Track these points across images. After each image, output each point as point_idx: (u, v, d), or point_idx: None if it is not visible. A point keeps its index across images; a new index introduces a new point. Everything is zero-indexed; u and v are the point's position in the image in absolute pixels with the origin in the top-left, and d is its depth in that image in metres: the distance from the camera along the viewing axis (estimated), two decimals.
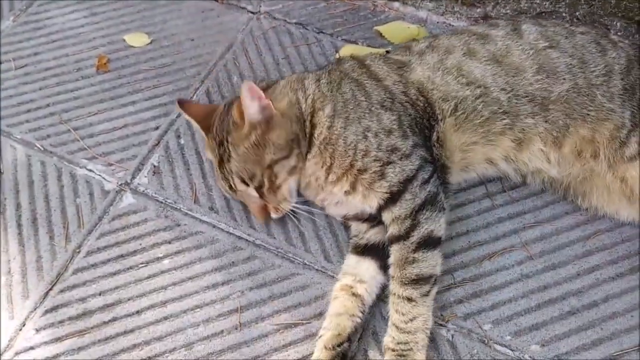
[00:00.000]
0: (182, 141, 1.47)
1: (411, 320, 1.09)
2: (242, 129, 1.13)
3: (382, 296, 1.20)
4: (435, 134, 1.20)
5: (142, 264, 1.31)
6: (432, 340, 1.14)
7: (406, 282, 1.10)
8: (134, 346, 1.20)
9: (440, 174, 1.19)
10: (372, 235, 1.23)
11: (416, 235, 1.11)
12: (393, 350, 1.09)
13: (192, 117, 1.28)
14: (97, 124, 1.51)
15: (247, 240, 1.32)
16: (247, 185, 1.16)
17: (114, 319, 1.23)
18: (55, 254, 1.32)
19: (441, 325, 1.17)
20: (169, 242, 1.33)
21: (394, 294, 1.11)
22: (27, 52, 1.65)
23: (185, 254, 1.31)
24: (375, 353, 1.15)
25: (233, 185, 1.19)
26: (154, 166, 1.44)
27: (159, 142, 1.48)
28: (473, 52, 1.23)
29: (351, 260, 1.22)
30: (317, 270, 1.27)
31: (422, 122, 1.20)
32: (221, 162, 1.19)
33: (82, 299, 1.26)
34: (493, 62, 1.21)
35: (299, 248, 1.30)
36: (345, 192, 1.17)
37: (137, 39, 1.66)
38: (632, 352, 1.13)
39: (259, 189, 1.16)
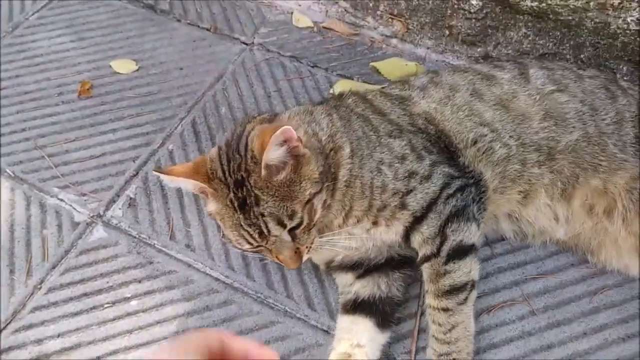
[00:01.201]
0: None
1: (449, 330, 1.03)
2: (260, 171, 0.98)
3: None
4: (462, 159, 1.13)
5: (107, 304, 1.19)
6: None
7: (440, 294, 1.04)
8: None
9: (479, 191, 1.11)
10: (360, 288, 1.13)
11: (445, 250, 1.06)
12: None
13: (182, 176, 1.03)
14: (73, 151, 1.43)
15: (224, 282, 1.21)
16: (285, 227, 0.99)
17: None
18: (13, 289, 1.21)
19: None
20: (139, 281, 1.22)
21: (430, 306, 1.06)
22: (8, 74, 1.59)
23: (155, 294, 1.20)
24: None
25: (266, 231, 0.98)
26: (130, 198, 1.35)
27: (137, 173, 1.39)
28: (479, 94, 1.17)
29: (344, 322, 1.12)
30: (298, 319, 1.16)
31: (439, 144, 1.13)
32: (244, 208, 0.99)
33: (38, 341, 1.14)
34: (500, 106, 1.15)
35: (280, 293, 1.19)
36: (367, 229, 1.08)
37: (123, 66, 1.60)
38: None
39: (294, 229, 1.00)
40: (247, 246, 1.02)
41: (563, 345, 1.11)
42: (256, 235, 0.99)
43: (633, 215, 1.10)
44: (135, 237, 1.29)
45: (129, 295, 1.20)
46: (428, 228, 1.06)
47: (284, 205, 0.98)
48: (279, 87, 1.54)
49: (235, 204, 0.99)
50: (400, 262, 1.15)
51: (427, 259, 1.07)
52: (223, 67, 1.60)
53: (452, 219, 1.07)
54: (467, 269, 1.06)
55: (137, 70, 1.59)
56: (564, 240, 1.19)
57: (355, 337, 1.08)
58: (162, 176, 1.03)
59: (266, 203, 0.97)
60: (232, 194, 0.99)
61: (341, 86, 1.50)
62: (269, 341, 1.12)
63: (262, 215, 0.97)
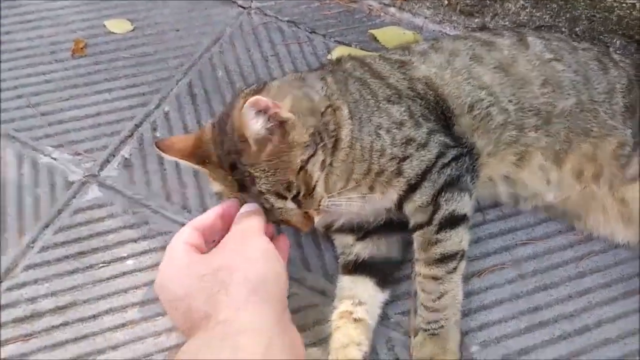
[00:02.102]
0: (158, 134, 1.38)
1: (439, 297, 1.05)
2: (250, 148, 0.97)
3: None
4: (456, 127, 1.14)
5: (103, 263, 1.19)
6: None
7: (430, 263, 1.06)
8: (86, 354, 1.08)
9: (473, 161, 1.13)
10: (360, 249, 1.15)
11: (437, 219, 1.07)
12: (425, 330, 1.05)
13: (178, 155, 1.05)
14: (67, 110, 1.41)
15: None
16: (285, 198, 0.99)
17: (66, 324, 1.11)
18: (6, 247, 1.20)
19: None
20: (135, 241, 1.22)
21: (420, 274, 1.07)
22: None
23: (151, 254, 1.21)
24: None
25: (268, 205, 1.00)
26: (125, 159, 1.34)
27: (132, 134, 1.38)
28: (479, 58, 1.18)
29: (344, 281, 1.13)
30: (294, 280, 1.17)
31: (436, 111, 1.14)
32: (244, 188, 1.00)
33: (32, 299, 1.14)
34: (500, 70, 1.17)
35: None
36: (363, 194, 1.09)
37: (118, 25, 1.57)
38: None
39: (296, 197, 1.01)
40: None
41: (550, 308, 1.15)
42: (262, 210, 1.01)
43: (619, 182, 1.13)
44: (130, 198, 1.28)
45: (124, 255, 1.20)
46: (421, 197, 1.08)
47: (278, 179, 0.97)
48: (276, 52, 1.53)
49: (236, 187, 1.00)
50: (399, 226, 1.16)
51: (419, 227, 1.08)
52: (220, 30, 1.58)
53: (446, 188, 1.08)
54: (458, 239, 1.07)
55: (133, 30, 1.56)
56: (553, 204, 1.21)
57: (357, 296, 1.10)
58: (160, 153, 1.05)
59: (261, 180, 0.97)
60: (230, 177, 0.99)
61: (339, 52, 1.49)
62: None
63: (261, 192, 0.98)
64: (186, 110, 1.42)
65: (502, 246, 1.23)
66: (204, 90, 1.45)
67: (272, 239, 0.97)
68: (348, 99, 1.11)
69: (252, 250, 0.82)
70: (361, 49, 1.54)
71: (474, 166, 1.13)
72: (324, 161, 1.03)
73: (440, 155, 1.09)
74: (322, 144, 1.02)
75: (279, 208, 1.00)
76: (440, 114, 1.14)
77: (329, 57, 1.50)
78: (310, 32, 1.58)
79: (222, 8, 1.63)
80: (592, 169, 1.16)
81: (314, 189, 1.02)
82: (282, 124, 0.97)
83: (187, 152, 1.04)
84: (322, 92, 1.09)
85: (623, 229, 1.19)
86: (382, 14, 1.64)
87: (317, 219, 1.05)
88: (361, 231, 1.16)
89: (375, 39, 1.57)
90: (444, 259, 1.06)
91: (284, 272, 0.85)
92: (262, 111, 0.94)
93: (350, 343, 1.04)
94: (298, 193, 1.00)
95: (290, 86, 1.10)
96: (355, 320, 1.07)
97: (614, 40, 1.43)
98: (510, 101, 1.14)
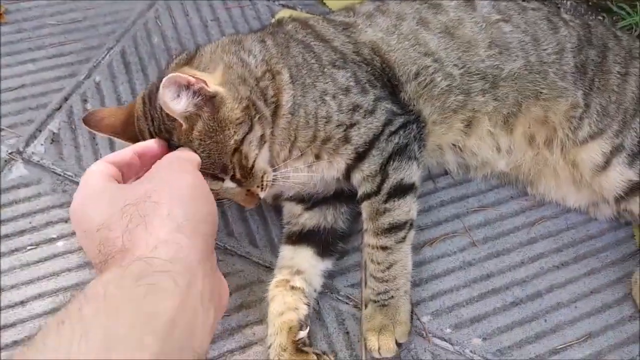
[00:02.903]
0: (89, 106, 1.28)
1: (388, 268, 1.02)
2: (181, 126, 0.89)
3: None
4: (402, 94, 1.09)
5: (31, 245, 1.11)
6: None
7: (379, 233, 1.03)
8: (15, 343, 1.00)
9: (420, 129, 1.09)
10: (307, 219, 1.11)
11: (386, 188, 1.04)
12: (375, 301, 1.02)
13: (108, 132, 0.97)
14: None
15: None
16: (222, 180, 0.93)
17: None
18: None
19: None
20: (66, 221, 1.14)
21: (369, 244, 1.04)
22: None
23: None
24: None
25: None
26: (53, 133, 1.24)
27: (60, 107, 1.27)
28: (425, 22, 1.13)
29: (286, 251, 1.09)
30: (240, 256, 1.12)
31: (383, 78, 1.09)
32: None
33: None
34: (445, 34, 1.12)
35: (220, 231, 1.14)
36: (310, 163, 1.04)
37: None
38: (574, 345, 1.05)
39: (233, 178, 0.94)
40: None
41: (502, 274, 1.13)
42: None
43: (571, 144, 1.11)
44: (60, 175, 1.19)
45: (54, 236, 1.12)
46: (370, 165, 1.04)
47: (212, 161, 0.90)
48: (216, 16, 1.44)
49: None
50: (348, 196, 1.12)
51: (367, 196, 1.05)
52: None
53: (394, 156, 1.05)
54: (407, 208, 1.04)
55: None
56: (505, 171, 1.19)
57: (295, 265, 1.06)
58: (91, 129, 0.96)
59: None
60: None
61: (284, 15, 1.41)
62: None
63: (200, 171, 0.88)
64: (119, 79, 1.32)
65: (454, 214, 1.20)
66: (139, 58, 1.36)
67: None
68: (289, 62, 1.04)
69: (181, 185, 0.71)
70: (307, 12, 1.46)
71: (422, 134, 1.09)
72: (262, 136, 0.96)
73: (387, 122, 1.05)
74: (258, 117, 0.95)
75: (216, 189, 0.93)
76: (387, 80, 1.09)
77: (273, 20, 1.42)
78: None
79: None
80: (544, 133, 1.13)
81: (252, 167, 0.95)
82: (211, 98, 0.90)
83: (118, 128, 0.96)
84: (260, 56, 1.02)
85: (574, 192, 1.18)
86: None
87: (263, 194, 0.99)
88: (310, 201, 1.12)
89: (322, 2, 1.49)
90: (393, 228, 1.03)
91: (214, 212, 0.73)
92: (186, 87, 0.86)
93: (286, 310, 1.00)
94: (234, 174, 0.94)
95: (224, 51, 1.01)
96: (292, 288, 1.03)
97: (565, 2, 1.40)
98: (455, 65, 1.10)
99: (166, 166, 0.76)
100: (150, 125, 0.93)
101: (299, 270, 1.05)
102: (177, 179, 0.72)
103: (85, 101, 1.28)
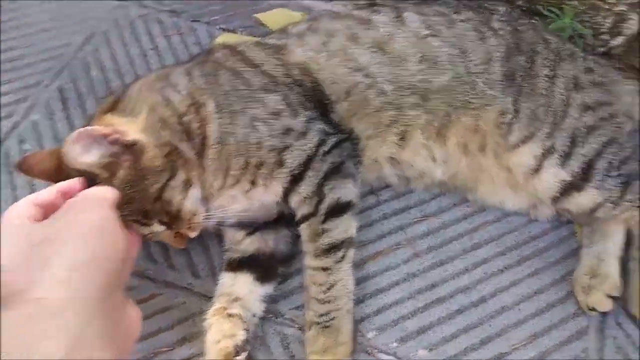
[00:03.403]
0: (26, 146, 1.27)
1: (329, 289, 1.03)
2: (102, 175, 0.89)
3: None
4: (333, 115, 1.10)
5: None
6: None
7: (319, 254, 1.03)
8: None
9: (354, 146, 1.11)
10: (248, 245, 1.11)
11: (323, 208, 1.04)
12: (317, 323, 1.02)
13: (42, 178, 0.97)
14: None
15: None
16: (148, 225, 0.94)
17: None
18: None
19: None
20: None
21: (310, 267, 1.04)
22: None
23: None
24: None
25: (136, 232, 0.92)
26: None
27: None
28: (355, 38, 1.14)
29: (226, 279, 1.09)
30: (182, 288, 1.12)
31: (314, 99, 1.10)
32: None
33: None
34: (376, 48, 1.13)
35: (160, 264, 1.14)
36: (246, 190, 1.05)
37: None
38: (520, 347, 1.07)
39: (161, 222, 0.95)
40: None
41: (445, 283, 1.14)
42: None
43: (503, 150, 1.13)
44: None
45: None
46: (306, 187, 1.05)
47: (135, 208, 0.90)
48: (155, 44, 1.44)
49: None
50: (290, 220, 1.12)
51: (305, 218, 1.05)
52: (93, 26, 1.47)
53: (330, 176, 1.05)
54: (345, 227, 1.05)
55: None
56: (443, 180, 1.21)
57: (234, 293, 1.06)
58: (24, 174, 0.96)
59: (120, 207, 0.86)
60: None
61: (224, 40, 1.43)
62: (151, 315, 1.07)
63: (124, 217, 0.86)
64: (57, 116, 1.32)
65: (397, 226, 1.21)
66: (77, 93, 1.35)
67: None
68: (216, 91, 1.04)
69: (83, 224, 0.72)
70: (248, 34, 1.47)
71: (356, 151, 1.10)
72: (187, 180, 0.97)
73: (320, 143, 1.06)
74: (182, 160, 0.96)
75: (145, 234, 0.94)
76: (317, 100, 1.10)
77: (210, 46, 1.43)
78: (193, 21, 1.50)
79: (97, 2, 1.52)
80: (477, 141, 1.15)
81: (179, 211, 0.96)
82: (131, 146, 0.90)
83: (50, 173, 0.94)
84: (185, 91, 1.03)
85: (512, 196, 1.20)
86: None
87: (194, 234, 0.99)
88: (252, 226, 1.12)
89: (261, 23, 1.50)
90: (332, 248, 1.04)
91: (121, 249, 0.73)
92: (101, 138, 0.87)
93: (222, 338, 1.00)
94: (161, 220, 0.94)
95: (149, 90, 1.02)
96: (230, 315, 1.03)
97: (498, 8, 1.42)
98: (388, 81, 1.12)
99: (73, 205, 0.76)
100: (75, 171, 0.91)
101: (237, 297, 1.05)
102: (81, 218, 0.73)
103: (22, 142, 1.28)
